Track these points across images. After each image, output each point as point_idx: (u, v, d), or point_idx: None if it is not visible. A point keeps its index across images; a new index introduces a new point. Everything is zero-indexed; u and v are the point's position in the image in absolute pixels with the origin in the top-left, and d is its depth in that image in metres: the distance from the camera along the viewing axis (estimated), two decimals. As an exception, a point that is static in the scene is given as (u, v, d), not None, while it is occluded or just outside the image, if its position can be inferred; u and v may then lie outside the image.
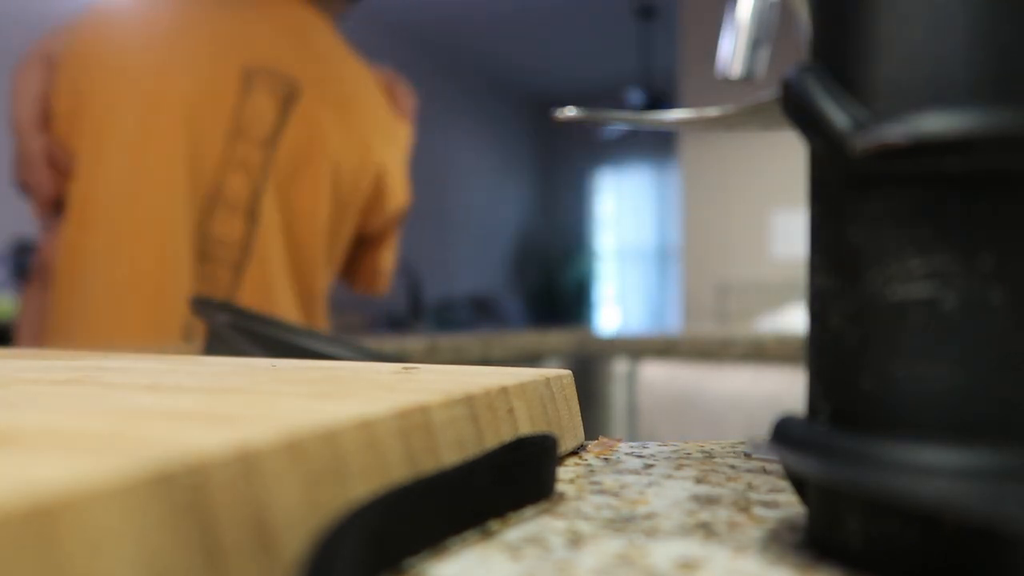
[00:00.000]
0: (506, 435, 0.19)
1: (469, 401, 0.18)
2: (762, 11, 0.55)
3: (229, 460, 0.11)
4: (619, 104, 5.03)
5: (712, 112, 0.38)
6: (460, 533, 0.14)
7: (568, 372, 0.23)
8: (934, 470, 0.11)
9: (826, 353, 0.13)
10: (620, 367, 1.03)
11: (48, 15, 2.78)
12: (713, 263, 2.38)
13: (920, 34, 0.12)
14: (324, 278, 0.87)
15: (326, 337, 0.45)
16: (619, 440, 0.23)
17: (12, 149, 0.82)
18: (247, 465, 0.11)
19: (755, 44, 0.55)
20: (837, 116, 0.13)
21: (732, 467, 0.20)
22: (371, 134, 0.88)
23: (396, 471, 0.15)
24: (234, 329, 0.41)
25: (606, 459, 0.21)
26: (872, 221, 0.13)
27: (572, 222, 5.96)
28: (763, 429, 0.90)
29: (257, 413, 0.14)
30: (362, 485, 0.14)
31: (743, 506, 0.16)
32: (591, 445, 0.23)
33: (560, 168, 5.99)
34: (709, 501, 0.17)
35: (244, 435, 0.12)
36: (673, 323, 5.45)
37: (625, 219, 5.87)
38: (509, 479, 0.16)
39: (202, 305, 0.43)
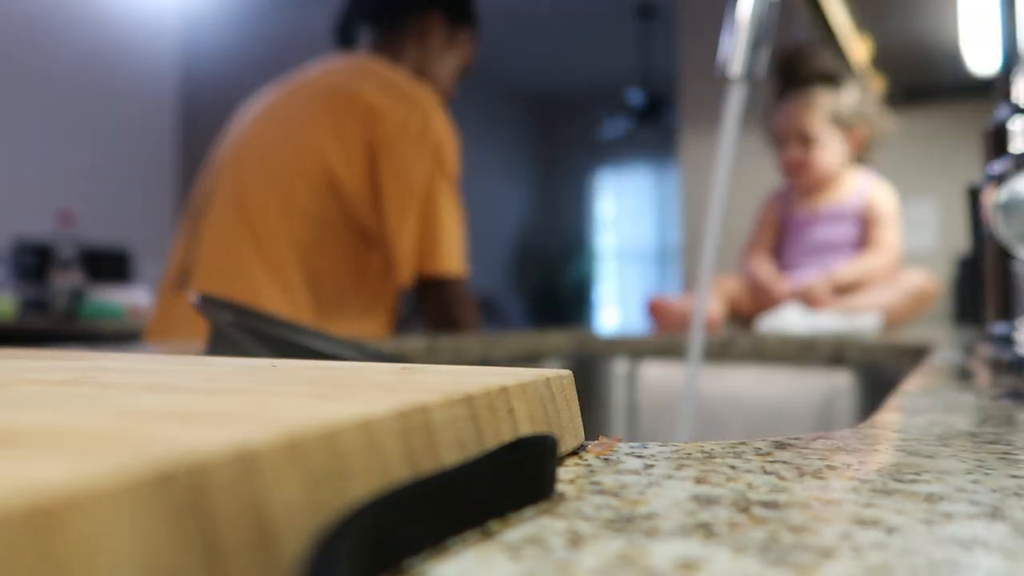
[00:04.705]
0: (506, 435, 0.19)
1: (469, 401, 0.18)
2: (762, 11, 0.55)
3: (229, 460, 0.11)
4: (619, 104, 5.03)
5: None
6: (460, 533, 0.14)
7: (568, 372, 0.23)
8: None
9: None
10: (620, 367, 1.03)
11: (49, 15, 2.78)
12: (713, 264, 2.38)
13: None
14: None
15: (327, 337, 0.45)
16: (619, 440, 0.23)
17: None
18: (247, 465, 0.11)
19: (755, 44, 0.55)
20: None
21: (732, 467, 0.20)
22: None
23: (396, 471, 0.15)
24: (237, 328, 0.41)
25: (606, 459, 0.21)
26: None
27: (572, 222, 5.95)
28: (764, 429, 0.90)
29: (257, 413, 0.14)
30: (362, 485, 0.14)
31: (743, 506, 0.16)
32: (591, 445, 0.23)
33: (560, 168, 5.99)
34: (709, 501, 0.17)
35: (244, 435, 0.12)
36: (673, 323, 5.43)
37: (625, 219, 5.86)
38: (509, 479, 0.16)
39: (206, 303, 0.43)
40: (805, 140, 1.48)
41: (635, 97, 4.65)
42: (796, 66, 1.51)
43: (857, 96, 1.48)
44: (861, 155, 1.53)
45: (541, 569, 0.13)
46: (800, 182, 1.53)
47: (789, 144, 1.51)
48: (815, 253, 1.53)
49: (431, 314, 1.11)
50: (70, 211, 2.19)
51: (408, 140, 1.04)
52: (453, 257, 1.08)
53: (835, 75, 1.49)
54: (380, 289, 1.10)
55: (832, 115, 1.46)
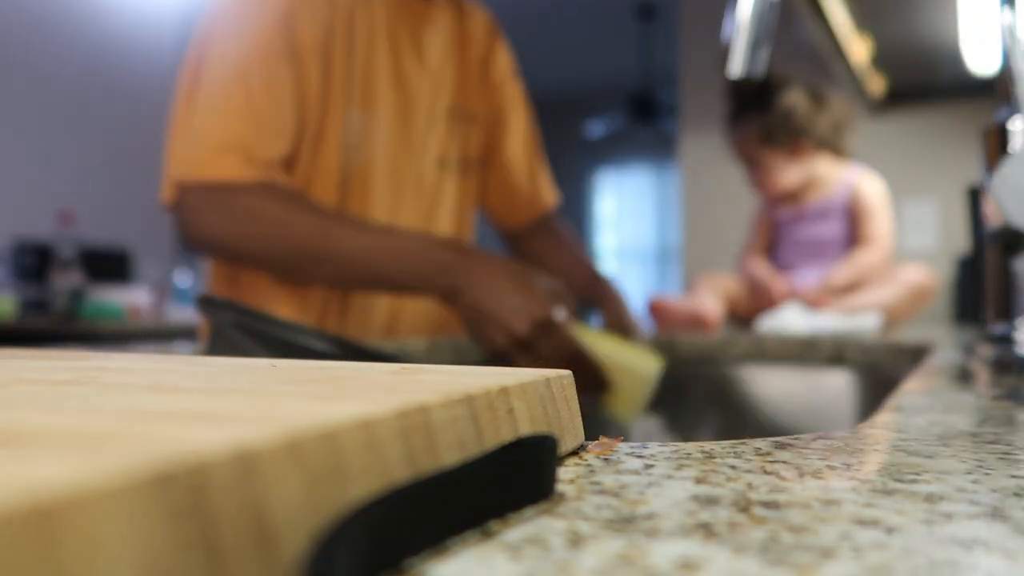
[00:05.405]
0: (506, 435, 0.19)
1: (469, 401, 0.18)
2: (762, 11, 0.55)
3: (229, 460, 0.11)
4: (619, 104, 5.03)
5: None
6: (460, 533, 0.14)
7: (568, 372, 0.23)
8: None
9: None
10: (620, 367, 1.03)
11: (48, 15, 2.78)
12: (713, 263, 2.38)
13: None
14: None
15: (327, 336, 0.45)
16: (619, 440, 0.23)
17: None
18: (247, 465, 0.11)
19: (755, 44, 0.55)
20: None
21: (732, 467, 0.20)
22: None
23: (396, 471, 0.15)
24: (237, 327, 0.41)
25: (606, 459, 0.21)
26: None
27: (572, 222, 5.95)
28: (763, 429, 0.90)
29: (257, 413, 0.14)
30: (362, 485, 0.14)
31: (743, 506, 0.16)
32: (591, 445, 0.23)
33: (560, 168, 5.98)
34: (709, 501, 0.17)
35: (244, 435, 0.12)
36: (673, 323, 5.43)
37: (625, 219, 5.86)
38: (509, 479, 0.16)
39: (206, 303, 0.43)
40: (751, 163, 1.52)
41: (635, 97, 4.65)
42: (732, 95, 1.53)
43: (784, 109, 1.46)
44: (836, 150, 1.52)
45: (541, 569, 0.13)
46: (767, 198, 1.57)
47: (744, 167, 1.56)
48: (806, 252, 1.53)
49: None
50: (70, 211, 2.19)
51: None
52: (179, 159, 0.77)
53: (764, 97, 1.48)
54: None
55: (761, 138, 1.48)
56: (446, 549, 0.14)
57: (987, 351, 0.52)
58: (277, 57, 0.78)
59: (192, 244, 0.78)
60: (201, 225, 0.75)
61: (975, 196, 1.28)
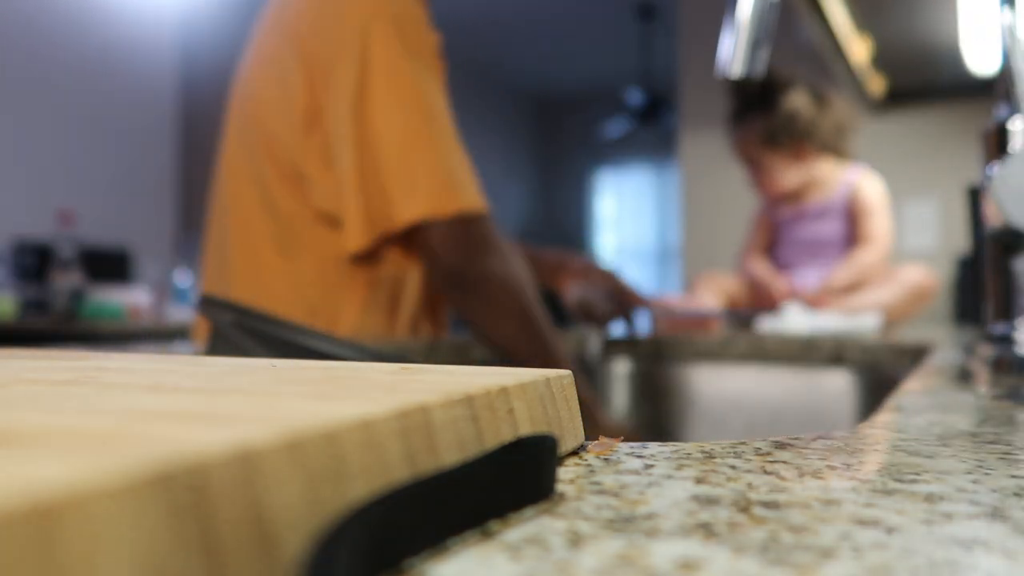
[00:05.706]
0: (506, 435, 0.19)
1: (469, 401, 0.18)
2: (762, 11, 0.55)
3: (229, 460, 0.11)
4: (619, 104, 5.03)
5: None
6: (460, 533, 0.14)
7: (568, 372, 0.23)
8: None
9: None
10: (620, 367, 1.03)
11: (48, 16, 2.78)
12: (713, 263, 2.38)
13: None
14: None
15: (327, 336, 0.45)
16: (619, 440, 0.23)
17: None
18: (247, 465, 0.11)
19: (755, 44, 0.55)
20: None
21: (732, 467, 0.20)
22: None
23: (396, 471, 0.15)
24: (237, 328, 0.41)
25: (606, 459, 0.21)
26: None
27: (572, 222, 5.95)
28: (763, 429, 0.90)
29: (257, 413, 0.14)
30: (362, 485, 0.14)
31: (743, 506, 0.16)
32: (591, 445, 0.23)
33: (560, 168, 5.99)
34: (709, 501, 0.17)
35: (244, 435, 0.12)
36: (673, 323, 5.43)
37: (625, 219, 5.86)
38: (509, 479, 0.16)
39: (207, 303, 0.43)
40: (752, 164, 1.53)
41: (635, 97, 4.65)
42: (735, 95, 1.53)
43: (787, 112, 1.45)
44: (838, 152, 1.52)
45: (541, 569, 0.13)
46: (766, 198, 1.57)
47: (745, 167, 1.56)
48: (806, 251, 1.54)
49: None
50: (70, 211, 2.19)
51: (326, 28, 0.80)
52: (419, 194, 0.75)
53: (767, 98, 1.47)
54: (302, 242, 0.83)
55: (764, 139, 1.48)
56: (446, 549, 0.14)
57: (987, 351, 0.52)
58: (436, 77, 0.83)
59: (469, 279, 0.77)
60: (484, 261, 0.76)
61: (975, 196, 1.28)
